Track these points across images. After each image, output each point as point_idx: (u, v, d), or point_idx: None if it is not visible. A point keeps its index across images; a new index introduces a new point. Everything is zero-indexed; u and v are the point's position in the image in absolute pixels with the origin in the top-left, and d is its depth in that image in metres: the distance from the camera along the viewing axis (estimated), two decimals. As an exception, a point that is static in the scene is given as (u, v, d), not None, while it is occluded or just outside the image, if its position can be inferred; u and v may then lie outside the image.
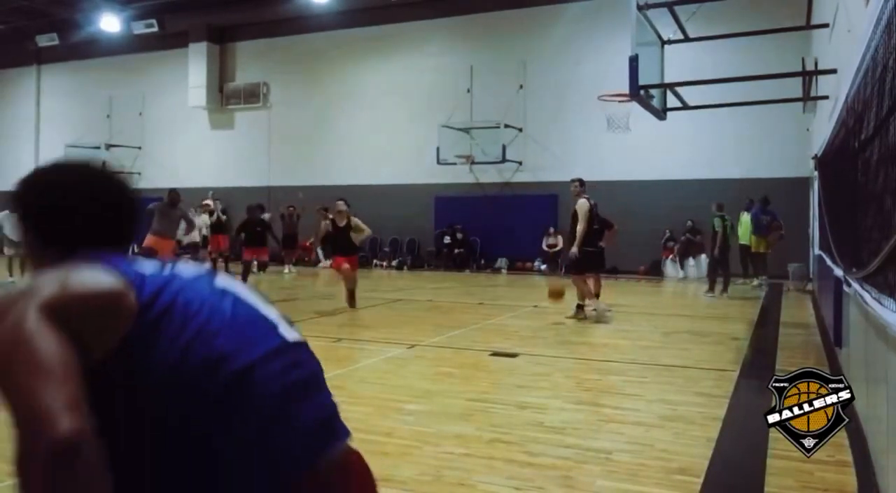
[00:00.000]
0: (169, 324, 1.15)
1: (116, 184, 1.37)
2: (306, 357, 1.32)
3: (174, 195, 10.68)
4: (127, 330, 1.12)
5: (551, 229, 18.03)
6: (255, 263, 15.12)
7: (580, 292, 9.57)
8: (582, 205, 9.38)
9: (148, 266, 1.25)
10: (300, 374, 1.27)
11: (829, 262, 7.30)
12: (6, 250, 14.18)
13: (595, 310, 9.51)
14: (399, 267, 19.28)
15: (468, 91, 19.50)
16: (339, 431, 1.30)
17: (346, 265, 10.15)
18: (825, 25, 8.98)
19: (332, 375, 5.94)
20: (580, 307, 9.53)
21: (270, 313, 1.33)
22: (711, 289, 12.90)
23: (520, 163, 18.74)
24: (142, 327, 1.13)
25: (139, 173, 23.30)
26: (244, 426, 1.15)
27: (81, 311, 1.09)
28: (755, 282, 14.30)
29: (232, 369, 1.16)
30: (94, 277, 1.14)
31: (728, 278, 12.91)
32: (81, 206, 1.31)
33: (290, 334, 1.31)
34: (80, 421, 0.95)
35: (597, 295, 9.87)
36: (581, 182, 9.54)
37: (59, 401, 0.95)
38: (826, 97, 8.77)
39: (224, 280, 1.35)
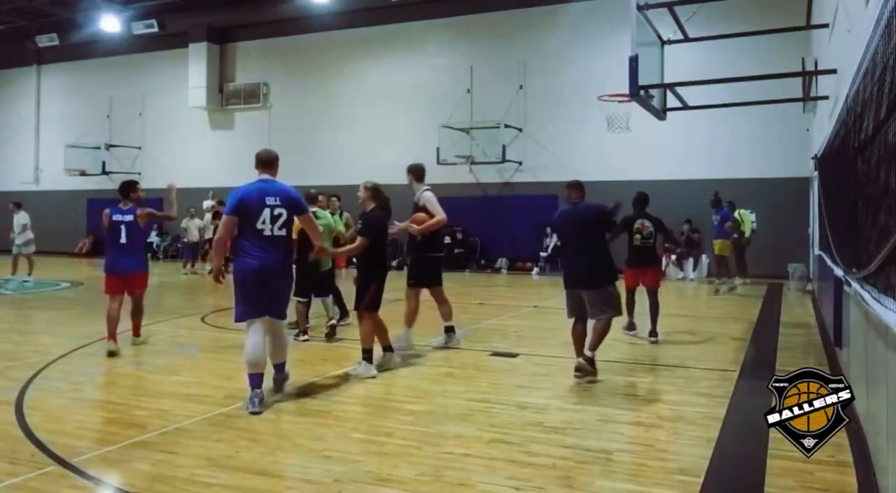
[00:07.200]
0: None
1: None
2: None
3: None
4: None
5: (548, 229, 18.00)
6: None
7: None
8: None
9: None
10: None
11: (829, 262, 7.30)
12: (14, 250, 14.25)
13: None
14: (399, 267, 19.24)
15: (468, 91, 19.50)
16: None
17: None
18: (825, 26, 8.98)
19: (332, 375, 5.95)
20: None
21: None
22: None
23: (520, 163, 18.74)
24: None
25: (139, 173, 23.30)
26: None
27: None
28: (714, 285, 13.50)
29: None
30: None
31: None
32: None
33: None
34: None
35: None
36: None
37: None
38: (826, 97, 8.77)
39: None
